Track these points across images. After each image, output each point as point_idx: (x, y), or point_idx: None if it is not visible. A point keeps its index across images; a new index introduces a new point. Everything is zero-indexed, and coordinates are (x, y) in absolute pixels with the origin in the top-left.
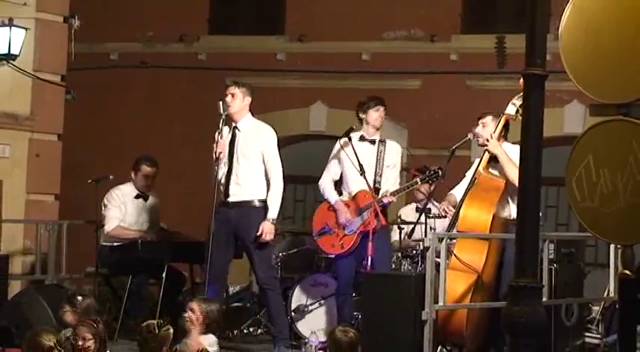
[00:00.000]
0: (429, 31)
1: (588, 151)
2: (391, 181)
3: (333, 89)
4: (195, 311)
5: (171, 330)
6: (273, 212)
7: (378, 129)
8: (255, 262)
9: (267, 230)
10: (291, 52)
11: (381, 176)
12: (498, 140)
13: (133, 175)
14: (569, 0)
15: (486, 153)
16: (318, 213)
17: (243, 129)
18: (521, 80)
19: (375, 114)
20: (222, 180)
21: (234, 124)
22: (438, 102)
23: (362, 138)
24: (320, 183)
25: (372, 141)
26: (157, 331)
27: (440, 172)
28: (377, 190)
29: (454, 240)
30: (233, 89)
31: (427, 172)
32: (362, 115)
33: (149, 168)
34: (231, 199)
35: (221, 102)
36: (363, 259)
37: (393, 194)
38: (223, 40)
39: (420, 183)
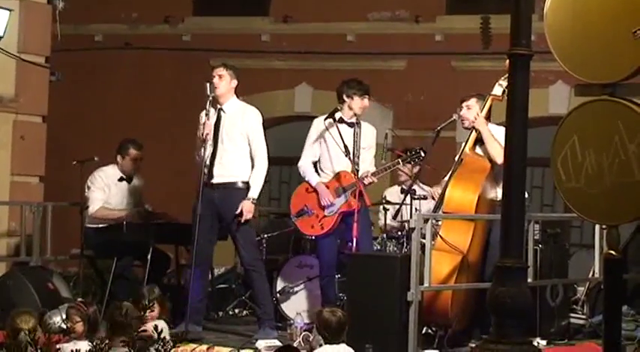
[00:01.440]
0: (414, 12)
1: (574, 131)
2: (367, 163)
3: (318, 70)
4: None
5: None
6: (254, 192)
7: (357, 115)
8: (239, 243)
9: (246, 209)
10: (276, 33)
11: (358, 158)
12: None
13: (119, 159)
14: None
15: (473, 134)
16: (297, 195)
17: (229, 111)
18: (507, 61)
19: (359, 103)
20: (207, 162)
21: (219, 106)
22: (423, 83)
23: (341, 121)
24: (300, 164)
25: (350, 124)
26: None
27: (421, 153)
28: (356, 172)
29: (440, 222)
30: (221, 70)
31: (408, 152)
32: (346, 98)
33: (137, 152)
34: (214, 180)
35: (208, 84)
36: (348, 241)
37: (373, 174)
38: (208, 21)
39: (401, 163)
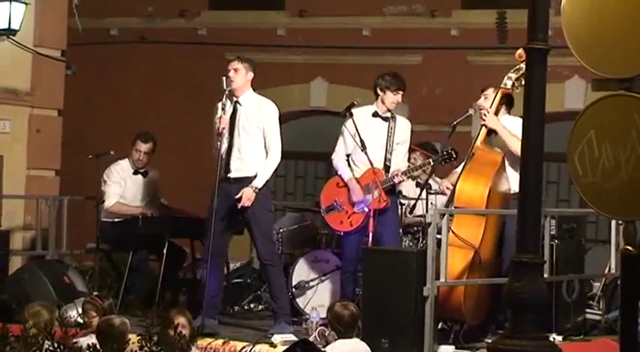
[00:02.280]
0: (430, 7)
1: (590, 126)
2: (400, 157)
3: (334, 65)
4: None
5: (128, 322)
6: (259, 181)
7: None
8: (255, 237)
9: (247, 195)
10: (292, 27)
11: (391, 153)
12: (497, 113)
13: (131, 150)
14: None
15: (483, 127)
16: (327, 189)
17: (245, 104)
18: (517, 53)
19: (392, 98)
20: (224, 156)
21: (235, 99)
22: (438, 77)
23: (375, 114)
24: (333, 157)
25: (385, 119)
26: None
27: (453, 153)
28: (387, 168)
29: (452, 216)
30: (236, 64)
31: (442, 153)
32: (379, 92)
33: (143, 144)
34: (232, 175)
35: (225, 78)
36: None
37: (404, 173)
38: (224, 15)
39: (432, 163)
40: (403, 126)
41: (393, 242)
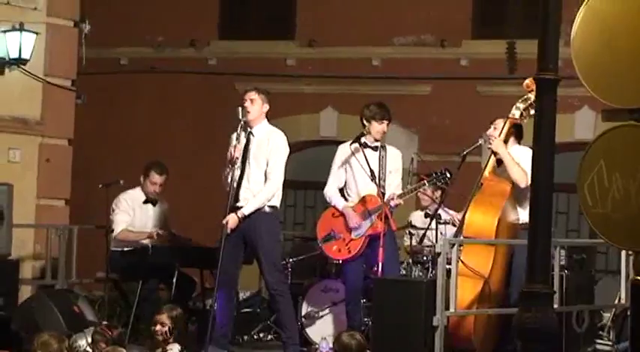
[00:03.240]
0: (439, 36)
1: (600, 156)
2: (394, 186)
3: (344, 94)
4: (165, 324)
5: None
6: (247, 209)
7: (378, 139)
8: (264, 267)
9: (230, 223)
10: (302, 57)
11: (384, 181)
12: (506, 143)
13: (143, 180)
14: (580, 5)
15: (492, 157)
16: (323, 221)
17: (258, 134)
18: (525, 83)
19: (378, 127)
20: (235, 185)
21: (249, 130)
22: (448, 107)
23: (365, 145)
24: (326, 191)
25: (375, 148)
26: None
27: (447, 173)
28: (382, 195)
29: (461, 246)
30: (253, 95)
31: (434, 174)
32: (365, 122)
33: (158, 176)
34: (241, 204)
35: (240, 108)
36: (373, 265)
37: (399, 196)
38: (233, 45)
39: (427, 185)
40: (394, 155)
41: (393, 269)
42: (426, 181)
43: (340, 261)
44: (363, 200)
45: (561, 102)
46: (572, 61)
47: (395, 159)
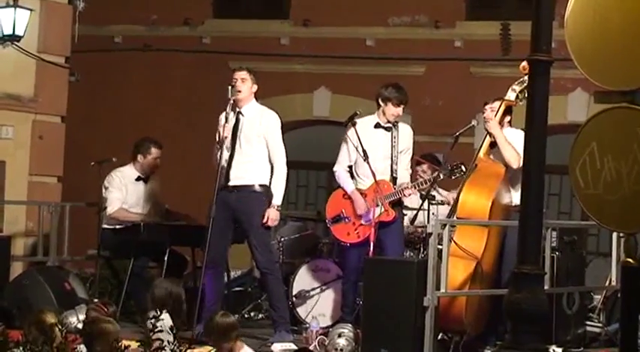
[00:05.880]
0: (434, 17)
1: (593, 138)
2: (403, 165)
3: (337, 74)
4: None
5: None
6: (277, 198)
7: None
8: (254, 246)
9: (272, 217)
10: (295, 36)
11: (396, 164)
12: (500, 125)
13: (140, 158)
14: None
15: (487, 139)
16: (333, 200)
17: (248, 114)
18: (521, 65)
19: (393, 110)
20: (224, 164)
21: (238, 109)
22: (441, 88)
23: (377, 125)
24: (335, 169)
25: (387, 128)
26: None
27: (462, 167)
28: (394, 179)
29: (454, 227)
30: (244, 74)
31: (451, 167)
32: (381, 102)
33: (158, 150)
34: (232, 183)
35: (230, 87)
36: (381, 250)
37: (414, 186)
38: (227, 23)
39: (441, 177)
40: (406, 134)
41: (397, 253)
42: (441, 174)
43: (349, 244)
44: (375, 186)
45: (555, 84)
46: (566, 43)
47: (407, 137)
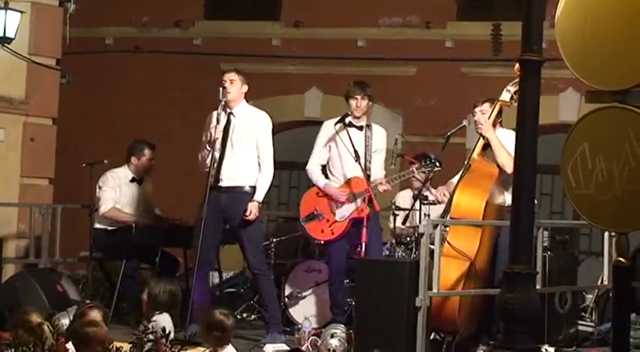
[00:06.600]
0: (425, 18)
1: (584, 138)
2: (377, 165)
3: (329, 75)
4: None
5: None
6: (259, 195)
7: (359, 117)
8: (245, 247)
9: (254, 210)
10: (287, 37)
11: (370, 162)
12: (494, 126)
13: (134, 160)
14: None
15: (481, 139)
16: (306, 199)
17: (239, 115)
18: (516, 66)
19: (352, 103)
20: (215, 165)
21: (229, 110)
22: (433, 89)
23: (350, 124)
24: (308, 167)
25: (360, 127)
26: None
27: (437, 163)
28: (367, 177)
29: (447, 227)
30: (233, 75)
31: (424, 161)
32: (346, 102)
33: (152, 152)
34: (222, 184)
35: (221, 89)
36: (357, 246)
37: (388, 181)
38: (219, 25)
39: (416, 171)
40: (379, 135)
41: (377, 251)
42: (415, 168)
43: (322, 242)
44: (349, 182)
45: (546, 84)
46: (557, 43)
47: (380, 138)
